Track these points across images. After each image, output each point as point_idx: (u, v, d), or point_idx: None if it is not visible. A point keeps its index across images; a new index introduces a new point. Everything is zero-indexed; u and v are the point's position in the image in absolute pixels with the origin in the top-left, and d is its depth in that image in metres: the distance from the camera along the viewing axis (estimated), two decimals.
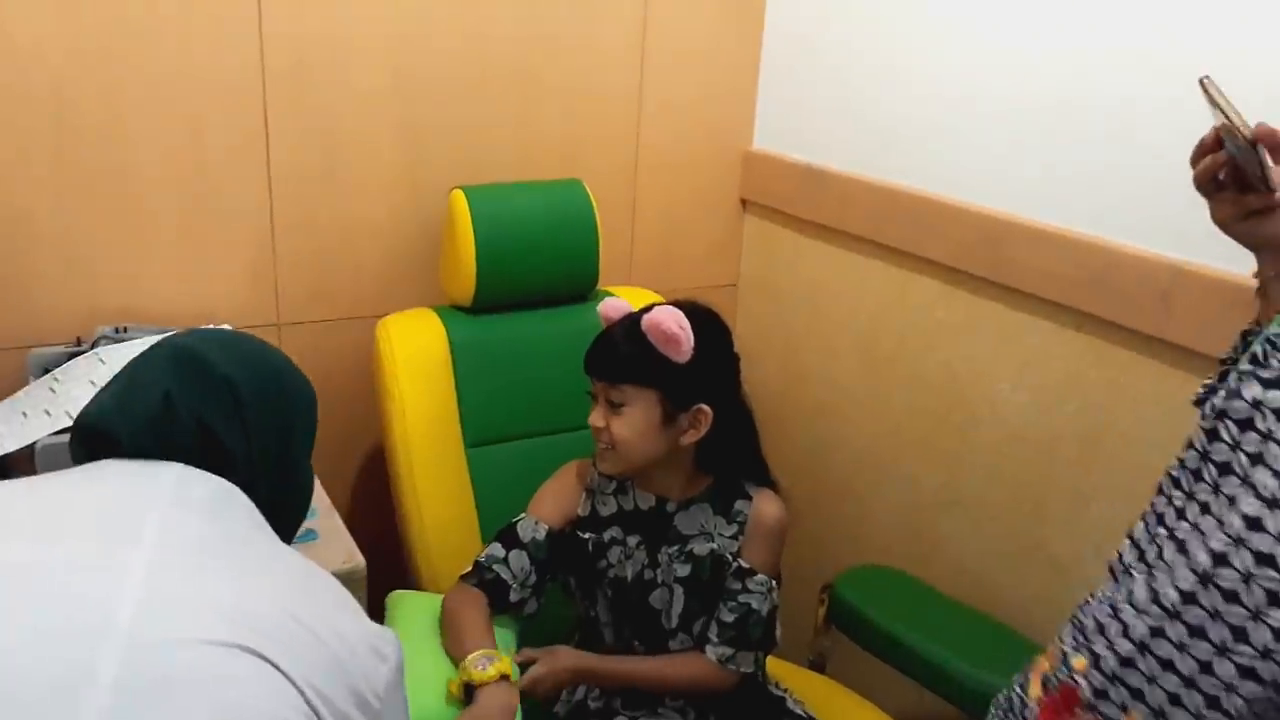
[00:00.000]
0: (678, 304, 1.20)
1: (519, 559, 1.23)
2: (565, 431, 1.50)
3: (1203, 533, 0.70)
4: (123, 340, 1.32)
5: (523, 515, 1.27)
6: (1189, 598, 0.69)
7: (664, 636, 1.27)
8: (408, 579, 1.44)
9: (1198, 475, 0.73)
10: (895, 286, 1.58)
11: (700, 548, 1.25)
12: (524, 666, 1.19)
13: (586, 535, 1.27)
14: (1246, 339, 0.85)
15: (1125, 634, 0.72)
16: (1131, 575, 0.74)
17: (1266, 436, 0.69)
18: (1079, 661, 0.76)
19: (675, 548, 1.26)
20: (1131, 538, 0.77)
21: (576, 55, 1.63)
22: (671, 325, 1.15)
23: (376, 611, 1.25)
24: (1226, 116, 0.75)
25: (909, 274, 1.55)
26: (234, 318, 1.48)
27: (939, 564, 1.54)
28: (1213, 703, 0.68)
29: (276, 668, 0.66)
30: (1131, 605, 0.72)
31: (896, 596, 1.45)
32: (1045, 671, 0.80)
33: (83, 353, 1.32)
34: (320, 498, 1.33)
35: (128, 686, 0.62)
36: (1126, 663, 0.72)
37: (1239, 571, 0.67)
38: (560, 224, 1.51)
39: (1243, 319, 1.10)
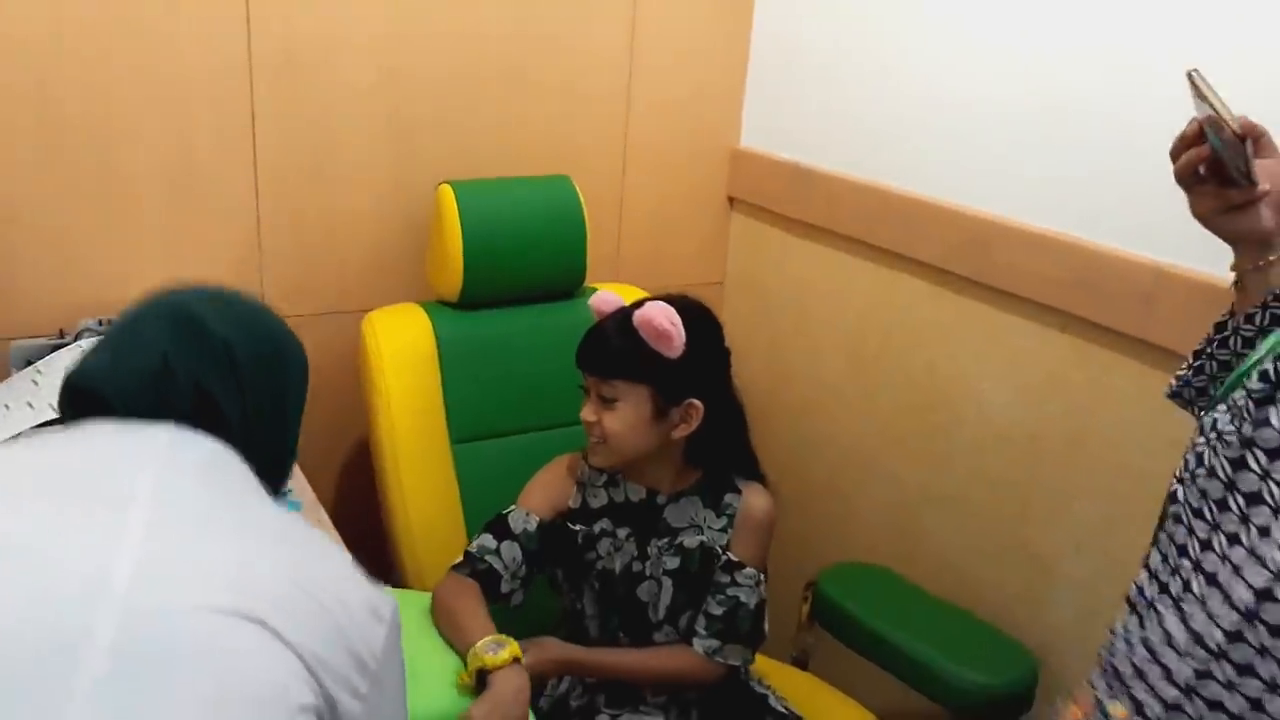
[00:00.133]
0: (669, 299, 1.21)
1: (510, 550, 1.23)
2: (551, 428, 1.51)
3: (1235, 565, 0.68)
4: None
5: (513, 507, 1.27)
6: (1235, 636, 0.67)
7: (650, 629, 1.28)
8: (392, 574, 1.44)
9: (1223, 505, 0.70)
10: (881, 286, 1.59)
11: (690, 540, 1.26)
12: None
13: (577, 527, 1.28)
14: (1220, 330, 0.85)
15: (1169, 678, 0.70)
16: (1156, 610, 0.72)
17: None
18: (1119, 710, 0.73)
19: (665, 540, 1.26)
20: (1149, 569, 0.74)
21: (565, 52, 1.63)
22: (663, 321, 1.16)
23: None
24: (1214, 109, 0.75)
25: (895, 274, 1.56)
26: None
27: (922, 561, 1.55)
28: None
29: (278, 635, 0.65)
30: (1172, 648, 0.70)
31: (880, 594, 1.46)
32: None
33: (66, 345, 1.32)
34: (305, 492, 1.33)
35: (125, 653, 0.61)
36: (1173, 708, 0.69)
37: None
38: (548, 220, 1.51)
39: None
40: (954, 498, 1.50)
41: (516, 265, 1.49)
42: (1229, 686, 0.67)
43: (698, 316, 1.21)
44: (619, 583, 1.27)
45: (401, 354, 1.44)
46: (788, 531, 1.37)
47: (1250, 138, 0.76)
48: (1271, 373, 0.70)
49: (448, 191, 1.46)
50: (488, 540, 1.24)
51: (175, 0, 1.36)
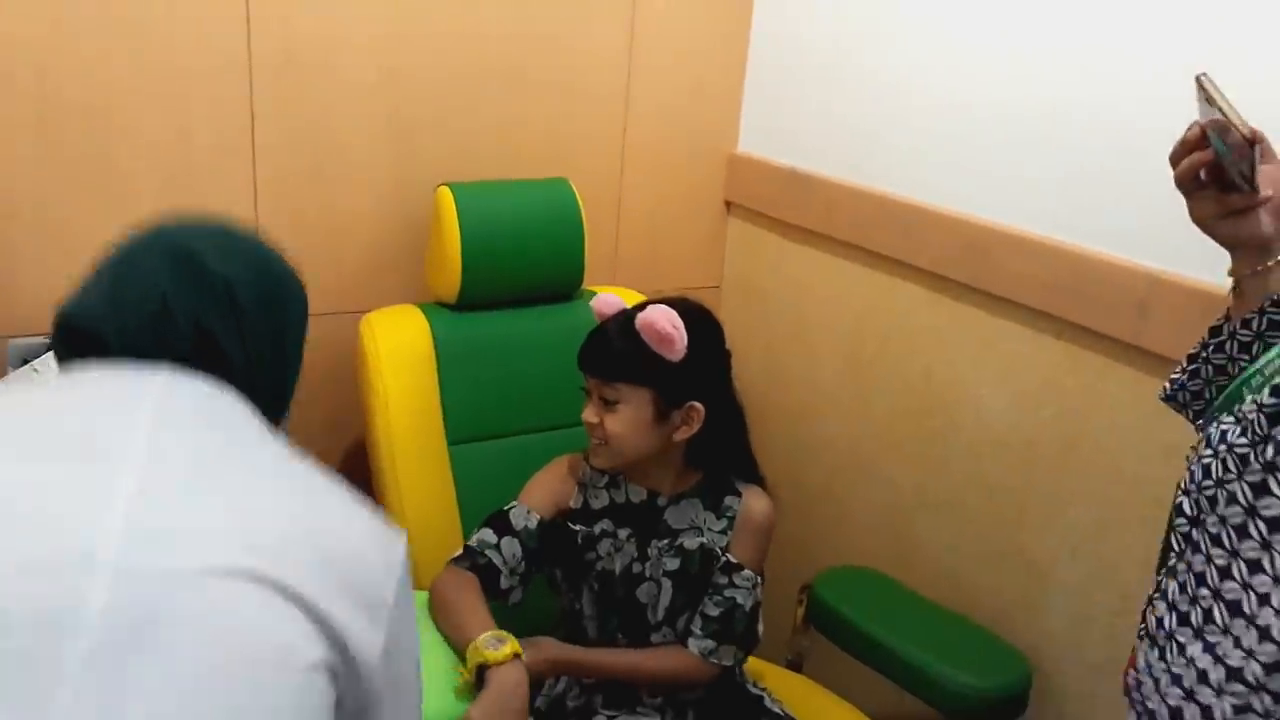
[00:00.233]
0: (670, 302, 1.22)
1: (510, 546, 1.23)
2: (548, 430, 1.51)
3: (1260, 594, 0.67)
4: None
5: (515, 503, 1.28)
6: (1273, 667, 0.66)
7: (648, 631, 1.28)
8: None
9: (1243, 531, 0.69)
10: (878, 291, 1.59)
11: (690, 542, 1.27)
12: None
13: (577, 527, 1.28)
14: (1216, 334, 0.86)
15: (1207, 717, 0.69)
16: (1176, 641, 0.71)
17: None
18: None
19: (665, 541, 1.27)
20: (1168, 600, 0.73)
21: (565, 55, 1.64)
22: (665, 325, 1.17)
23: None
24: (1223, 113, 0.74)
25: (892, 279, 1.57)
26: None
27: (917, 565, 1.55)
28: None
29: (281, 589, 0.63)
30: (1208, 685, 0.68)
31: (874, 597, 1.46)
32: None
33: None
34: None
35: (117, 624, 0.58)
36: None
37: None
38: (546, 223, 1.51)
39: None
40: (949, 502, 1.51)
41: (514, 267, 1.50)
42: (1266, 715, 0.67)
43: (699, 319, 1.22)
44: (619, 584, 1.27)
45: (399, 355, 1.44)
46: (783, 535, 1.37)
47: (1256, 142, 0.76)
48: None
49: (446, 194, 1.46)
50: (488, 535, 1.25)
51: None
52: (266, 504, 0.68)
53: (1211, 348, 0.85)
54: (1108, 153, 1.24)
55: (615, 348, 1.21)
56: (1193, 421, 0.89)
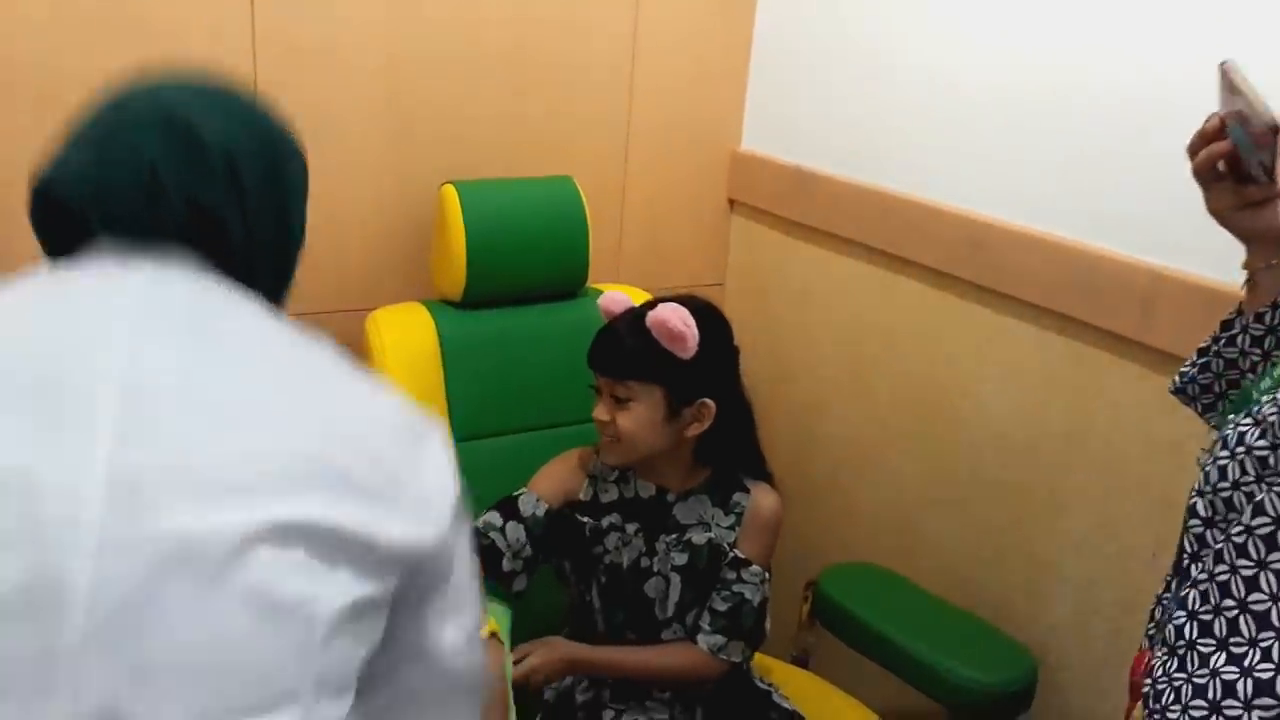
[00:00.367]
0: (679, 300, 1.22)
1: (515, 530, 1.24)
2: (553, 426, 1.51)
3: None
4: None
5: (524, 489, 1.28)
6: None
7: (657, 627, 1.29)
8: None
9: (1271, 542, 0.68)
10: (881, 288, 1.60)
11: (698, 537, 1.27)
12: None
13: (585, 519, 1.29)
14: (1228, 328, 0.85)
15: None
16: (1198, 651, 0.70)
17: None
18: None
19: (673, 536, 1.28)
20: (1188, 609, 0.72)
21: (567, 52, 1.64)
22: (677, 323, 1.17)
23: None
24: (1249, 102, 0.74)
25: (895, 276, 1.57)
26: None
27: (922, 561, 1.56)
28: None
29: (291, 530, 0.57)
30: (1235, 698, 0.67)
31: (880, 593, 1.47)
32: None
33: None
34: None
35: (103, 609, 0.53)
36: None
37: None
38: (551, 221, 1.52)
39: None
40: (953, 498, 1.51)
41: (519, 265, 1.50)
42: None
43: (709, 316, 1.23)
44: (626, 578, 1.28)
45: (404, 352, 1.45)
46: (788, 530, 1.38)
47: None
48: None
49: (451, 192, 1.46)
50: (494, 517, 1.25)
51: None
52: (275, 418, 0.61)
53: (1223, 341, 0.85)
54: (1112, 150, 1.25)
55: (626, 346, 1.21)
56: (1202, 415, 0.89)
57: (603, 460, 1.28)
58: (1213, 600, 0.70)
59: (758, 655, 1.36)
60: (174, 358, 0.61)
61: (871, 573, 1.53)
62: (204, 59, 1.39)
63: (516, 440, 1.51)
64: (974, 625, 1.40)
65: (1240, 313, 0.84)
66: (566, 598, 1.36)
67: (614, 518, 1.29)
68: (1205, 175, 0.80)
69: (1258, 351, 0.81)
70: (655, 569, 1.28)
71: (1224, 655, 0.68)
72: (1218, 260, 1.13)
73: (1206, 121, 0.79)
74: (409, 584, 0.65)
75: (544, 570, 1.31)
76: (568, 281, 1.56)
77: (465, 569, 0.72)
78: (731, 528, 1.28)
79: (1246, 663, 0.67)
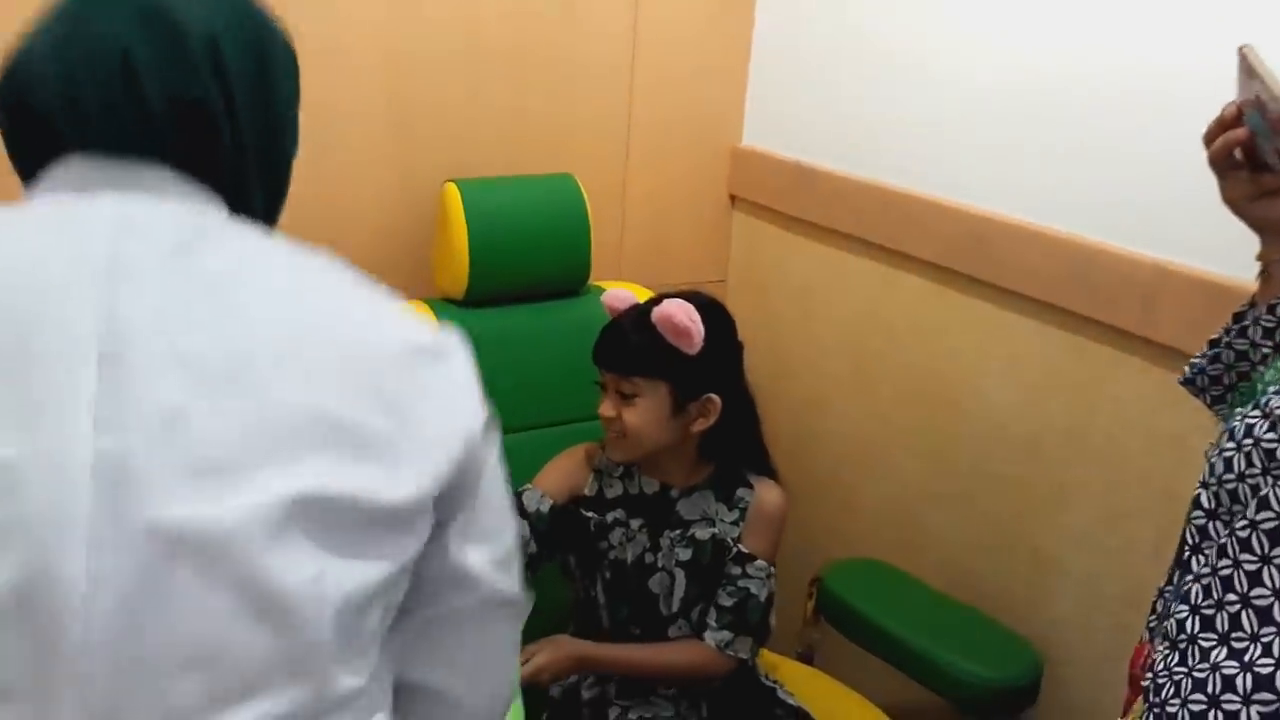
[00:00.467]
0: (683, 296, 1.23)
1: (520, 527, 1.24)
2: (557, 424, 1.51)
3: None
4: None
5: (528, 486, 1.28)
6: None
7: (663, 623, 1.29)
8: None
9: (1275, 537, 0.67)
10: (883, 284, 1.60)
11: (702, 532, 1.28)
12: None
13: (589, 514, 1.29)
14: (1239, 319, 0.85)
15: None
16: (1199, 645, 0.70)
17: None
18: None
19: (677, 532, 1.28)
20: (1190, 603, 0.72)
21: (568, 50, 1.64)
22: (683, 318, 1.18)
23: None
24: (1266, 86, 0.72)
25: (897, 271, 1.57)
26: None
27: (925, 557, 1.56)
28: None
29: (294, 504, 0.54)
30: (1235, 692, 0.67)
31: (884, 589, 1.47)
32: None
33: None
34: None
35: (101, 603, 0.51)
36: None
37: None
38: (553, 219, 1.52)
39: (1224, 318, 1.12)
40: (956, 493, 1.51)
41: (521, 263, 1.50)
42: None
43: (713, 312, 1.24)
44: (631, 573, 1.28)
45: None
46: (791, 527, 1.38)
47: None
48: None
49: (453, 190, 1.46)
50: None
51: None
52: (271, 369, 0.56)
53: (1234, 333, 0.84)
54: (1113, 144, 1.25)
55: (632, 342, 1.22)
56: (1211, 407, 0.89)
57: (608, 456, 1.29)
58: (1215, 595, 0.70)
59: (763, 652, 1.36)
60: (155, 304, 0.55)
61: (875, 568, 1.54)
62: None
63: (520, 438, 1.51)
64: (978, 620, 1.40)
65: (1253, 304, 0.84)
66: (571, 594, 1.36)
67: (618, 513, 1.29)
68: (1221, 164, 0.79)
69: (1269, 344, 0.81)
70: (659, 564, 1.28)
71: (1225, 650, 0.68)
72: (1220, 254, 1.14)
73: (1224, 109, 0.78)
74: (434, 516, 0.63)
75: (549, 569, 1.31)
76: (570, 279, 1.56)
77: (494, 490, 0.69)
78: (735, 523, 1.29)
79: (1247, 658, 0.67)
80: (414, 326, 0.64)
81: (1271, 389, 0.72)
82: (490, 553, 0.68)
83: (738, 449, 1.30)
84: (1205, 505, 0.73)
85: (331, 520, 0.56)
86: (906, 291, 1.56)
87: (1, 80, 0.61)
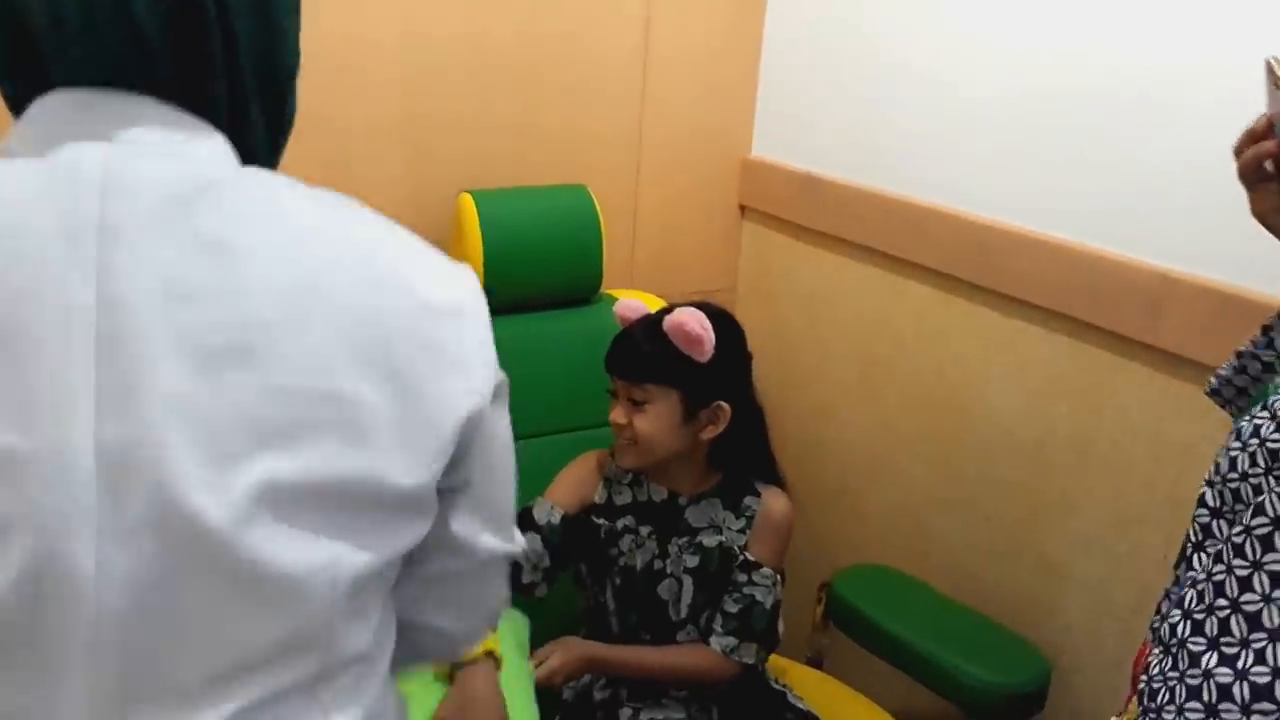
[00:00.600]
0: (695, 305, 1.24)
1: (533, 542, 1.26)
2: (571, 431, 1.53)
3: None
4: None
5: (538, 499, 1.30)
6: None
7: (672, 628, 1.31)
8: None
9: (1268, 543, 0.67)
10: (891, 292, 1.61)
11: (709, 540, 1.29)
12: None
13: (601, 521, 1.31)
14: (1267, 331, 0.85)
15: None
16: (1189, 650, 0.70)
17: None
18: None
19: (685, 539, 1.29)
20: (1184, 608, 0.72)
21: (579, 63, 1.66)
22: (695, 326, 1.19)
23: None
24: None
25: (904, 280, 1.59)
26: None
27: (933, 563, 1.57)
28: None
29: (302, 494, 0.54)
30: (1233, 702, 0.66)
31: (893, 594, 1.48)
32: None
33: None
34: None
35: (111, 591, 0.51)
36: None
37: None
38: (565, 229, 1.54)
39: (1229, 325, 1.14)
40: (964, 500, 1.53)
41: (535, 273, 1.52)
42: None
43: (723, 322, 1.25)
44: (640, 580, 1.29)
45: None
46: (800, 533, 1.39)
47: None
48: None
49: (469, 201, 1.49)
50: None
51: None
52: (271, 344, 0.53)
53: (1262, 344, 0.84)
54: (1119, 153, 1.26)
55: (644, 349, 1.24)
56: (1236, 419, 0.90)
57: (618, 463, 1.30)
58: (1207, 600, 0.70)
59: (773, 656, 1.38)
60: (149, 274, 0.52)
61: (884, 574, 1.55)
62: None
63: (534, 445, 1.52)
64: (986, 626, 1.41)
65: None
66: (582, 601, 1.38)
67: (628, 520, 1.30)
68: (1250, 176, 0.78)
69: None
70: (668, 571, 1.29)
71: (1215, 655, 0.68)
72: (1224, 262, 1.15)
73: (1255, 122, 0.77)
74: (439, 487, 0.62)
75: (561, 576, 1.32)
76: (582, 288, 1.58)
77: (501, 457, 0.67)
78: (742, 530, 1.30)
79: (1240, 665, 0.67)
80: (428, 278, 0.60)
81: None
82: (493, 521, 0.68)
83: (746, 457, 1.32)
84: (1210, 503, 0.74)
85: (337, 504, 0.55)
86: (913, 299, 1.57)
87: None
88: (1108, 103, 1.26)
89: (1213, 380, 0.89)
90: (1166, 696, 0.70)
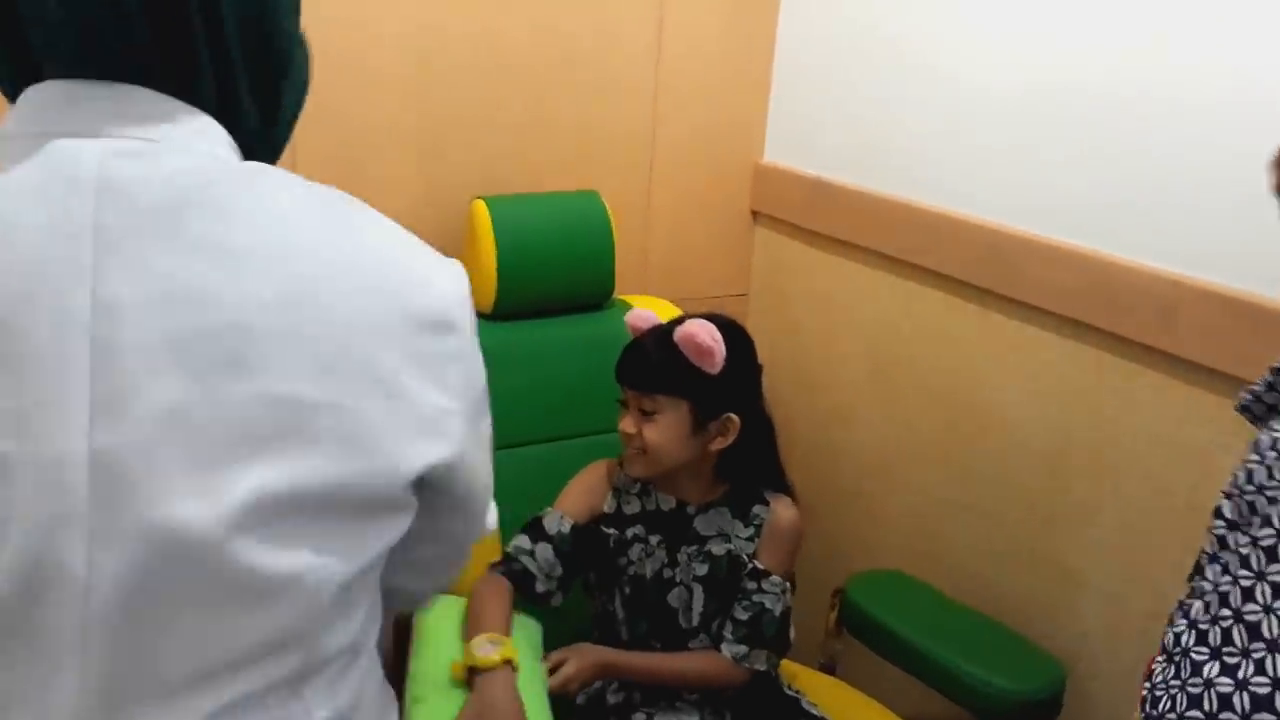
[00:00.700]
0: (706, 317, 1.25)
1: (544, 551, 1.26)
2: (583, 435, 1.54)
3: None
4: None
5: (549, 510, 1.31)
6: None
7: (682, 636, 1.31)
8: None
9: (1272, 554, 0.68)
10: (904, 298, 1.61)
11: (718, 548, 1.29)
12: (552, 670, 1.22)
13: (610, 531, 1.31)
14: None
15: None
16: (1191, 659, 0.70)
17: None
18: None
19: (694, 548, 1.30)
20: (1189, 617, 0.72)
21: (592, 67, 1.67)
22: (706, 338, 1.20)
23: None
24: None
25: (917, 286, 1.58)
26: None
27: (948, 569, 1.57)
28: None
29: (290, 502, 0.54)
30: (1233, 711, 0.67)
31: (907, 601, 1.47)
32: None
33: None
34: None
35: (100, 593, 0.52)
36: None
37: None
38: (578, 234, 1.54)
39: (1244, 331, 1.13)
40: (978, 506, 1.52)
41: (548, 278, 1.53)
42: None
43: (734, 333, 1.26)
44: (649, 588, 1.30)
45: None
46: (814, 539, 1.40)
47: None
48: None
49: (482, 207, 1.49)
50: (523, 541, 1.28)
51: None
52: (261, 353, 0.53)
53: None
54: (1132, 159, 1.26)
55: (654, 360, 1.24)
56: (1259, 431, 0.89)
57: (627, 472, 1.31)
58: (1212, 610, 0.70)
59: (785, 662, 1.38)
60: (143, 280, 0.52)
61: (898, 580, 1.54)
62: None
63: (547, 449, 1.54)
64: (1001, 633, 1.41)
65: None
66: (592, 608, 1.38)
67: (637, 529, 1.31)
68: None
69: None
70: (677, 579, 1.30)
71: (1217, 665, 0.68)
72: (1238, 268, 1.15)
73: None
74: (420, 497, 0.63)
75: (576, 581, 1.33)
76: (595, 293, 1.59)
77: (481, 459, 0.69)
78: (750, 539, 1.30)
79: (1240, 674, 0.67)
80: (422, 287, 0.59)
81: None
82: (474, 517, 0.71)
83: (755, 468, 1.32)
84: (1227, 515, 0.74)
85: (327, 510, 0.56)
86: (926, 305, 1.57)
87: None
88: (1121, 107, 1.26)
89: (1244, 396, 0.88)
90: (1168, 704, 0.71)
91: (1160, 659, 0.74)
